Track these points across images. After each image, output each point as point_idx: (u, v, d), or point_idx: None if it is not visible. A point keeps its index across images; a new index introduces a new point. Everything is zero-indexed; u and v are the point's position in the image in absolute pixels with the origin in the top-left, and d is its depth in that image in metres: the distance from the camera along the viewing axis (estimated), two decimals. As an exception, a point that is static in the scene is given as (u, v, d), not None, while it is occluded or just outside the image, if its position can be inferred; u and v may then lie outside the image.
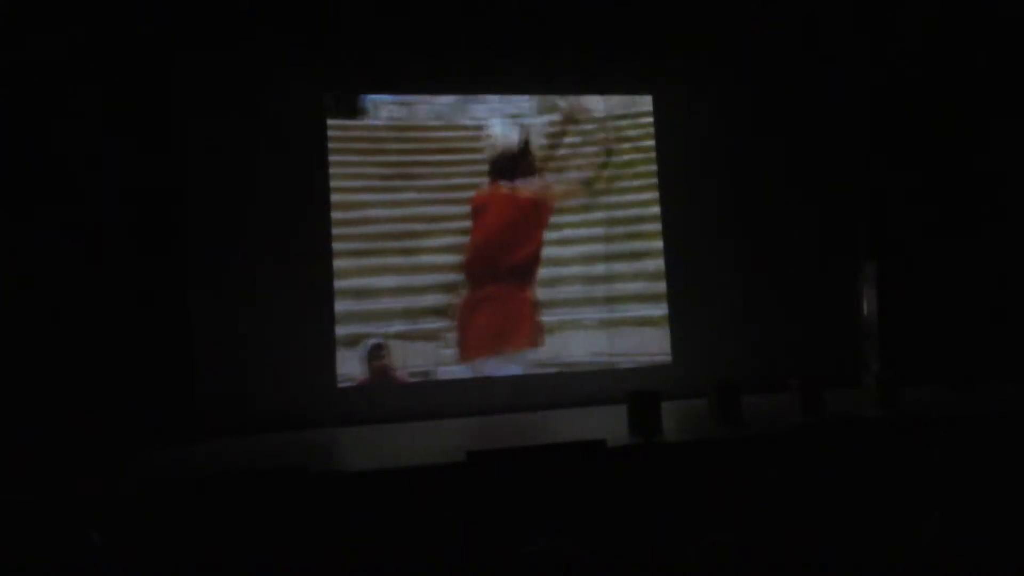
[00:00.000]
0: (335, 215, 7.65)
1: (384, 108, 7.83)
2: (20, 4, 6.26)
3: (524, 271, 7.82)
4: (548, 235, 8.04)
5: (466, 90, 8.10)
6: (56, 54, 6.37)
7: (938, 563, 2.46)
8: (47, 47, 6.34)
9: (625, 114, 8.21)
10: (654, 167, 8.36)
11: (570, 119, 7.77)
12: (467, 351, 7.63)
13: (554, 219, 8.07)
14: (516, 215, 7.76)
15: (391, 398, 7.53)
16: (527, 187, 7.74)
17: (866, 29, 8.11)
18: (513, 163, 7.76)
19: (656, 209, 8.35)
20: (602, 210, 8.30)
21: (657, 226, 8.35)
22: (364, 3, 7.37)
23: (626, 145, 8.34)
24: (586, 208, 8.25)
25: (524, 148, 7.70)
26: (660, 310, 8.29)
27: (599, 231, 8.24)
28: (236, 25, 7.17)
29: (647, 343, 8.26)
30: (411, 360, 7.51)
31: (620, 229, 8.31)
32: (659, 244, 8.31)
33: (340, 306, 7.48)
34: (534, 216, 7.79)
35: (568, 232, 8.16)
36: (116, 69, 6.61)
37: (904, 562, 2.65)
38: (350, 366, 7.45)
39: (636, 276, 8.31)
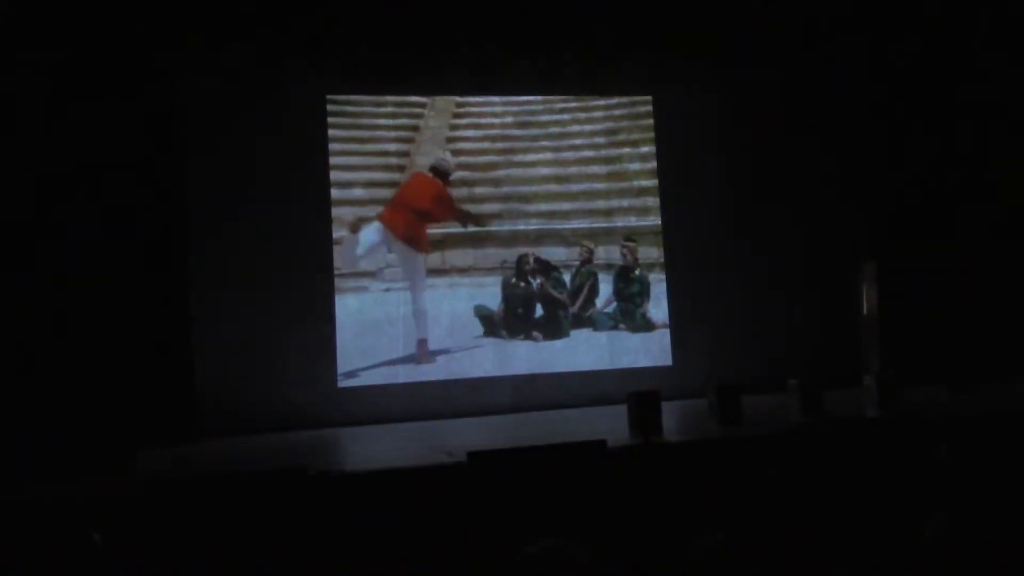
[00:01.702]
0: (335, 213, 7.68)
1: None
2: (24, 4, 6.25)
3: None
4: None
5: (467, 90, 8.10)
6: (59, 55, 6.36)
7: (938, 563, 2.46)
8: (50, 48, 6.34)
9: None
10: (653, 164, 8.39)
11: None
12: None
13: (554, 213, 8.16)
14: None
15: (391, 398, 7.53)
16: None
17: (866, 29, 8.11)
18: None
19: (656, 208, 8.38)
20: (603, 217, 8.32)
21: (657, 223, 8.36)
22: (364, 3, 7.37)
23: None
24: (589, 213, 8.29)
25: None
26: (660, 311, 8.31)
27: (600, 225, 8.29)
28: (237, 26, 7.16)
29: (648, 344, 8.27)
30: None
31: (620, 224, 8.34)
32: (659, 243, 8.35)
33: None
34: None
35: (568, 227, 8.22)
36: (118, 70, 6.60)
37: (904, 562, 2.65)
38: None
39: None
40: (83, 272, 6.35)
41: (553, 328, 8.11)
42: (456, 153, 8.11)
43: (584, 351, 8.11)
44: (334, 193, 7.68)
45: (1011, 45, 7.94)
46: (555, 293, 8.14)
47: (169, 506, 4.13)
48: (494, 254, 8.08)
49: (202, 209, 7.12)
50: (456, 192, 8.06)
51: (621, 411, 5.99)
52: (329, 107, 7.74)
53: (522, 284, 8.08)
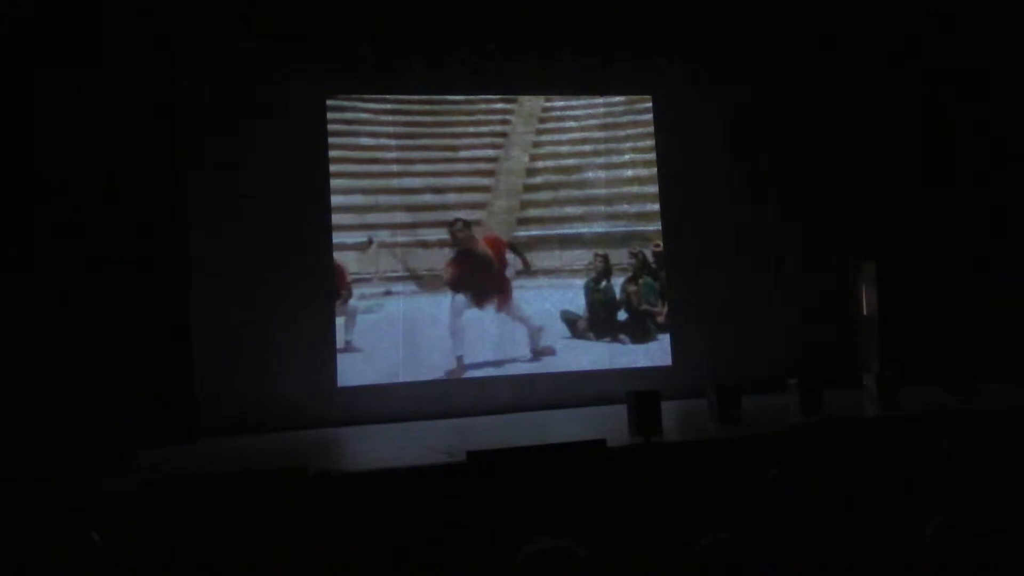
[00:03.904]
0: (336, 219, 7.67)
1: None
2: (24, 4, 6.25)
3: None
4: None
5: (466, 90, 8.10)
6: (58, 54, 6.36)
7: (938, 563, 2.46)
8: (50, 47, 6.34)
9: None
10: (654, 170, 8.39)
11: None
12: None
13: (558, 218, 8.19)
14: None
15: (391, 398, 7.53)
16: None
17: (868, 29, 8.11)
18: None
19: (656, 208, 8.38)
20: (603, 220, 8.32)
21: (657, 226, 8.36)
22: (364, 3, 7.37)
23: (626, 156, 8.36)
24: (584, 218, 8.29)
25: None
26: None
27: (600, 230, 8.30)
28: (237, 25, 7.16)
29: (647, 344, 8.26)
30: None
31: (620, 227, 8.33)
32: (659, 243, 8.35)
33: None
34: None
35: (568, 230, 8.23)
36: (119, 70, 6.60)
37: (904, 562, 2.66)
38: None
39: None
40: (83, 271, 6.34)
41: (641, 332, 8.16)
42: (540, 157, 8.23)
43: (583, 351, 8.11)
44: (334, 196, 7.66)
45: (1012, 45, 7.94)
46: (647, 306, 8.17)
47: (169, 506, 4.13)
48: (580, 255, 8.17)
49: (202, 208, 7.12)
50: (543, 196, 8.17)
51: (621, 411, 5.99)
52: (329, 106, 7.72)
53: (603, 284, 8.13)
